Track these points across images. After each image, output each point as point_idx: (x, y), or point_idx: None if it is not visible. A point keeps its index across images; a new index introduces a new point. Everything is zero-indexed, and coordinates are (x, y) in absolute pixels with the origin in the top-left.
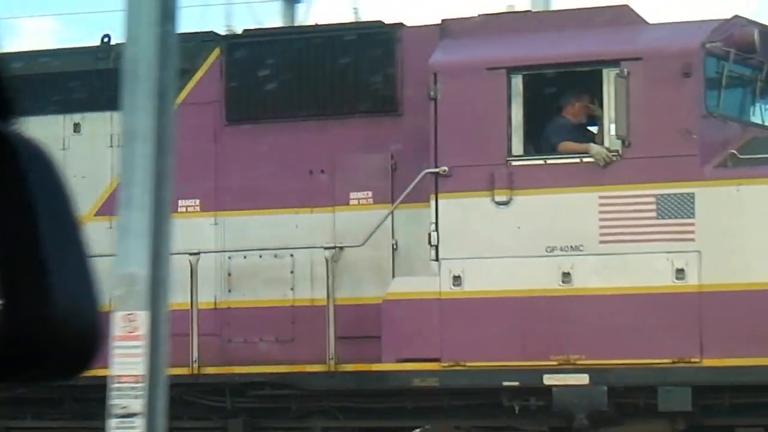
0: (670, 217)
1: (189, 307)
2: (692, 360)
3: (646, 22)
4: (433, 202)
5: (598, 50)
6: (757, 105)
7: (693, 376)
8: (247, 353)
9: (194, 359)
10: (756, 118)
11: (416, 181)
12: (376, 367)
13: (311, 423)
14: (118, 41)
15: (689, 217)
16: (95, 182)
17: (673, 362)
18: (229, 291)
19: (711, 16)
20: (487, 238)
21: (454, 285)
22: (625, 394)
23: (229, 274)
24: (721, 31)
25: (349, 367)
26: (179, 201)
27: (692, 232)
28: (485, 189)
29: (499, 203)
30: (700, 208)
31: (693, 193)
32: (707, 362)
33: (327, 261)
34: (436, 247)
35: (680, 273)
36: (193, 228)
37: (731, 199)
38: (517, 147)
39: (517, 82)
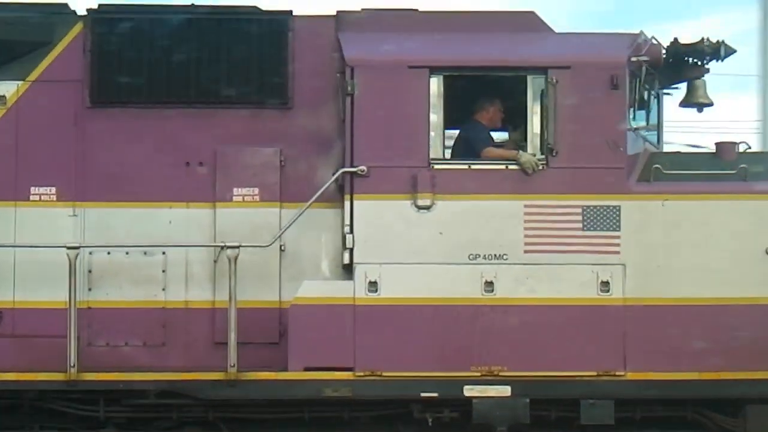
0: (595, 229)
1: (65, 307)
2: (616, 373)
3: (553, 31)
4: (347, 203)
5: (526, 56)
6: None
7: (616, 390)
8: (110, 358)
9: (72, 364)
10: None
11: (333, 179)
12: (284, 375)
13: None
14: None
15: (615, 230)
16: None
17: (597, 375)
18: (90, 290)
19: None
20: (406, 243)
21: (369, 291)
22: (545, 406)
23: (90, 271)
24: (639, 45)
25: (253, 375)
26: (31, 188)
27: (618, 245)
28: (406, 192)
29: (420, 207)
30: (625, 221)
31: (619, 206)
32: (631, 376)
33: (229, 260)
34: (351, 250)
35: (605, 286)
36: (48, 218)
37: (657, 214)
38: (438, 150)
39: (438, 82)
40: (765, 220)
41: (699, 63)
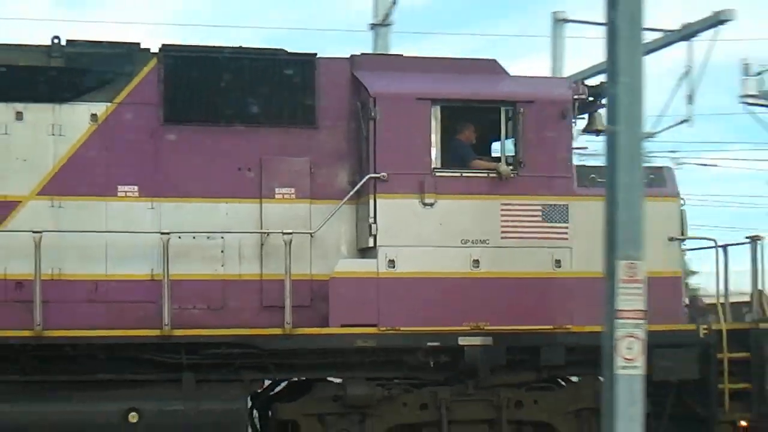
0: (551, 222)
1: (146, 278)
2: (566, 327)
3: (509, 74)
4: (372, 201)
5: (500, 93)
6: None
7: (566, 339)
8: (180, 319)
9: (166, 323)
10: None
11: (362, 182)
12: (327, 330)
13: (243, 376)
14: (70, 41)
15: (565, 222)
16: (36, 165)
17: (553, 328)
18: None
19: None
20: (416, 231)
21: (389, 267)
22: (514, 352)
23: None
24: (575, 87)
25: (303, 331)
26: (118, 186)
27: (567, 233)
28: (416, 192)
29: (426, 204)
30: (572, 216)
31: (567, 205)
32: (575, 329)
33: (285, 243)
34: (375, 236)
35: (558, 263)
36: (132, 210)
37: (594, 211)
38: (438, 161)
39: (437, 111)
40: (668, 216)
41: (598, 100)
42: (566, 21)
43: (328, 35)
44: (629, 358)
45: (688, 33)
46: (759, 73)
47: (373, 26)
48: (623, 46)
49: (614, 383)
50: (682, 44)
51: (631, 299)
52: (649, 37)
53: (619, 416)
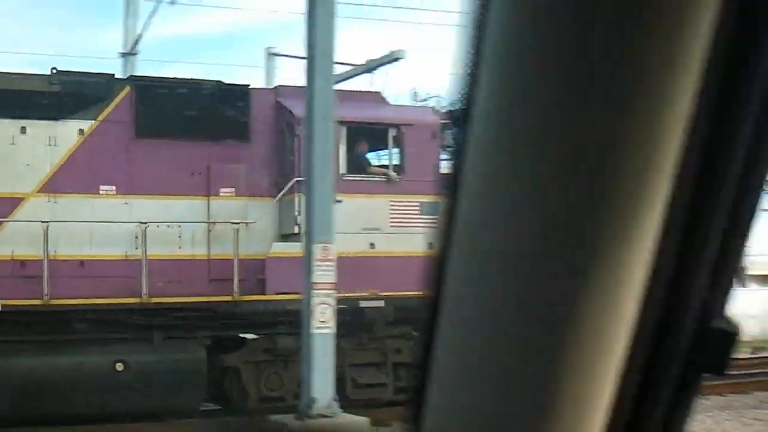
0: (426, 214)
1: (122, 258)
2: None
3: (389, 102)
4: (297, 198)
5: (390, 117)
6: None
7: None
8: (150, 290)
9: (144, 292)
10: None
11: (290, 185)
12: (265, 297)
13: (197, 333)
14: (63, 71)
15: (437, 214)
16: (37, 169)
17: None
18: (136, 248)
19: None
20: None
21: None
22: (399, 311)
23: (136, 237)
24: (440, 112)
25: (248, 297)
26: (100, 186)
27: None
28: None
29: (337, 201)
30: (441, 210)
31: (438, 202)
32: None
33: (234, 231)
34: (299, 225)
35: (430, 245)
36: (111, 206)
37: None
38: (344, 168)
39: (343, 131)
40: None
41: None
42: (277, 55)
43: (84, 61)
44: (323, 321)
45: (371, 66)
46: (424, 100)
47: (123, 54)
48: (319, 76)
49: (311, 341)
50: (367, 75)
51: (324, 274)
52: (339, 69)
53: (314, 367)
